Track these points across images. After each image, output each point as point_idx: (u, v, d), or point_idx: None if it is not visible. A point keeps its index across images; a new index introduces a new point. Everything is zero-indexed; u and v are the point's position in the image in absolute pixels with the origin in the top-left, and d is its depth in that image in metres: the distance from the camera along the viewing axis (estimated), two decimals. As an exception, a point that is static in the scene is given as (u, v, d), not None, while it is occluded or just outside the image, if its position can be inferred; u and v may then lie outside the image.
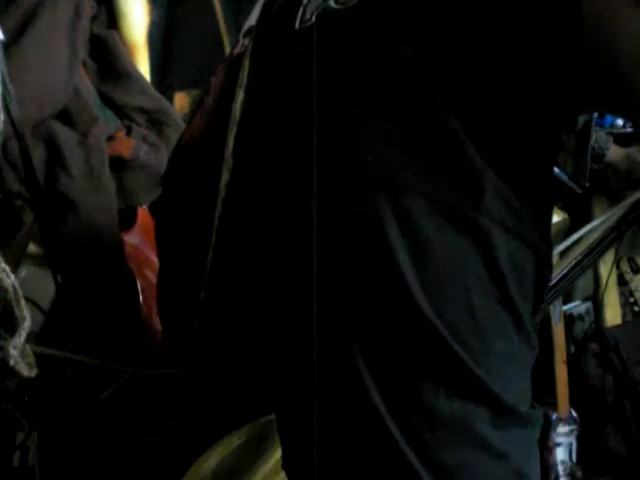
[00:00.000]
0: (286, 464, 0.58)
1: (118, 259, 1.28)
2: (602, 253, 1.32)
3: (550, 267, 0.56)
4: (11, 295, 0.69)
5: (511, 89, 0.51)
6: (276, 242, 0.55)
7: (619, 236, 1.29)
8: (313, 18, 0.57)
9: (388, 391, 0.49)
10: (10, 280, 0.69)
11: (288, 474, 0.58)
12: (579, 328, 1.55)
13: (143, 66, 1.52)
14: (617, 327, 1.50)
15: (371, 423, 0.49)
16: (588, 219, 1.31)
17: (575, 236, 1.27)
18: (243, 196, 0.60)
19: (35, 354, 0.71)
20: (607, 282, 1.48)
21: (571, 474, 1.41)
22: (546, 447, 1.40)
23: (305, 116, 0.54)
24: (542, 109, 0.53)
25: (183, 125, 1.38)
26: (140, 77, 1.45)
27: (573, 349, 1.52)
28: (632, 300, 1.55)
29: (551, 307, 1.33)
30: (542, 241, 0.54)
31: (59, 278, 1.18)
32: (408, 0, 0.54)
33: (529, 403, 0.54)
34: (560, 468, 1.41)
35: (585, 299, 1.56)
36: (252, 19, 0.69)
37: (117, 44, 1.41)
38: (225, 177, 0.62)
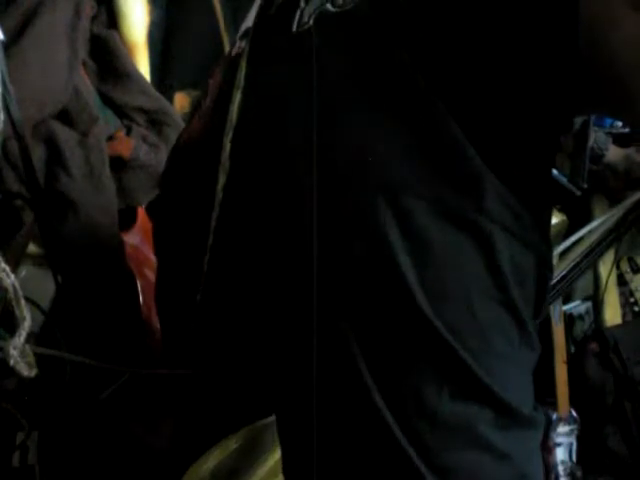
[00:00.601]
0: (286, 466, 0.57)
1: (118, 259, 1.28)
2: (602, 254, 1.32)
3: (550, 268, 0.56)
4: (11, 295, 0.69)
5: (508, 91, 0.51)
6: (274, 243, 0.55)
7: (619, 237, 1.29)
8: (310, 21, 0.57)
9: (390, 393, 0.49)
10: (10, 280, 0.69)
11: (287, 476, 0.57)
12: (579, 328, 1.55)
13: (143, 66, 1.52)
14: (617, 327, 1.50)
15: (373, 425, 0.49)
16: (587, 220, 1.32)
17: (575, 237, 1.28)
18: (240, 198, 0.60)
19: (35, 354, 0.71)
20: (607, 282, 1.48)
21: (571, 474, 1.41)
22: (546, 447, 1.41)
23: (303, 118, 0.53)
24: (539, 111, 0.53)
25: (183, 125, 1.38)
26: (140, 77, 1.45)
27: (573, 349, 1.52)
28: (632, 300, 1.56)
29: (551, 307, 1.33)
30: (542, 242, 0.54)
31: (59, 278, 1.18)
32: (405, 4, 0.54)
33: (531, 404, 0.54)
34: (560, 468, 1.41)
35: (585, 299, 1.56)
36: (249, 20, 0.69)
37: (117, 44, 1.41)
38: (222, 179, 0.62)
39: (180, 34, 1.66)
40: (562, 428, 1.41)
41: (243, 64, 0.64)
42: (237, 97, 0.63)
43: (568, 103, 0.55)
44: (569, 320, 1.52)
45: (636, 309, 1.56)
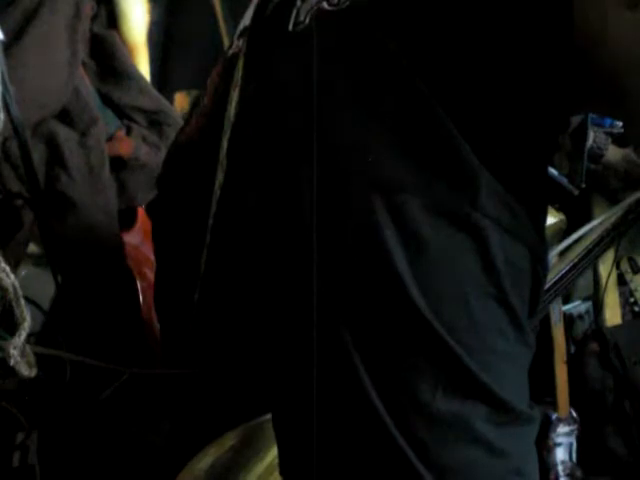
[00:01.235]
0: (282, 465, 0.57)
1: (118, 259, 1.29)
2: (601, 254, 1.32)
3: (545, 266, 0.56)
4: (11, 295, 0.69)
5: (503, 89, 0.52)
6: (271, 243, 0.55)
7: (618, 236, 1.29)
8: (307, 20, 0.57)
9: (386, 391, 0.49)
10: (10, 280, 0.69)
11: (284, 475, 0.57)
12: (579, 328, 1.55)
13: (143, 66, 1.52)
14: (617, 327, 1.50)
15: (370, 423, 0.49)
16: (586, 220, 1.32)
17: (575, 235, 1.28)
18: (237, 197, 0.60)
19: (35, 354, 0.71)
20: (607, 282, 1.48)
21: (571, 474, 1.41)
22: (546, 447, 1.41)
23: (300, 118, 0.53)
24: (534, 109, 0.53)
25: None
26: (140, 77, 1.45)
27: (573, 349, 1.52)
28: (632, 300, 1.56)
29: (551, 307, 1.33)
30: (538, 240, 0.54)
31: (59, 278, 1.18)
32: (401, 2, 0.54)
33: (527, 401, 0.54)
34: (560, 468, 1.41)
35: (585, 299, 1.56)
36: (246, 20, 0.69)
37: (117, 44, 1.41)
38: (220, 178, 0.62)
39: (180, 34, 1.66)
40: (562, 428, 1.42)
41: (240, 63, 0.64)
42: (234, 96, 0.63)
43: (564, 101, 0.55)
44: (569, 320, 1.52)
45: (636, 309, 1.56)
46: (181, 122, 1.42)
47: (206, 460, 0.79)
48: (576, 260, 1.20)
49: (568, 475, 1.41)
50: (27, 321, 0.69)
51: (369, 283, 0.50)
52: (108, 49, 1.40)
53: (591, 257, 1.25)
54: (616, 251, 1.41)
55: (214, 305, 0.67)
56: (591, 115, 1.04)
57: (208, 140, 0.66)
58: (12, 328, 0.69)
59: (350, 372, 0.50)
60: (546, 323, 1.37)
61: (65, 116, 1.27)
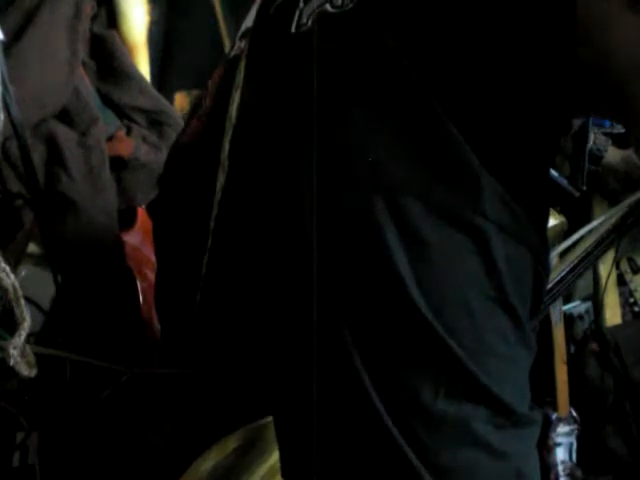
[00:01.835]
0: (284, 467, 0.57)
1: (118, 259, 1.28)
2: (600, 255, 1.32)
3: (547, 268, 0.56)
4: (11, 295, 0.69)
5: (505, 92, 0.51)
6: (272, 244, 0.55)
7: (618, 238, 1.29)
8: (309, 22, 0.57)
9: (387, 392, 0.49)
10: (10, 280, 0.69)
11: (286, 477, 0.57)
12: (579, 328, 1.55)
13: (143, 66, 1.52)
14: (617, 327, 1.50)
15: (370, 424, 0.49)
16: (586, 222, 1.31)
17: (575, 236, 1.28)
18: (239, 198, 0.60)
19: (35, 354, 0.71)
20: (607, 282, 1.48)
21: (571, 474, 1.41)
22: (546, 447, 1.41)
23: (302, 119, 0.53)
24: (536, 111, 0.53)
25: (183, 125, 1.38)
26: (140, 77, 1.45)
27: (573, 349, 1.52)
28: (632, 300, 1.56)
29: (551, 307, 1.33)
30: (539, 242, 0.54)
31: (59, 278, 1.18)
32: (404, 5, 0.54)
33: (527, 403, 0.54)
34: (560, 468, 1.41)
35: (585, 299, 1.56)
36: (248, 21, 0.69)
37: (117, 44, 1.41)
38: (221, 179, 0.62)
39: (180, 34, 1.66)
40: (562, 428, 1.42)
41: (242, 65, 0.64)
42: (236, 98, 0.63)
43: (566, 104, 0.55)
44: (569, 320, 1.52)
45: (636, 309, 1.56)
46: (181, 122, 1.42)
47: (208, 463, 0.79)
48: (576, 262, 1.20)
49: (568, 475, 1.41)
50: (27, 321, 0.69)
51: (370, 284, 0.50)
52: (108, 49, 1.40)
53: (591, 258, 1.25)
54: (616, 251, 1.41)
55: (215, 306, 0.66)
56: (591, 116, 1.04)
57: (209, 141, 0.66)
58: (12, 328, 0.69)
59: (351, 373, 0.50)
60: (546, 323, 1.37)
61: (65, 116, 1.27)
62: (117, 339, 1.22)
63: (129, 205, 1.37)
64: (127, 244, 1.32)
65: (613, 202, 1.34)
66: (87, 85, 1.34)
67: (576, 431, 1.43)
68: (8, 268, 0.69)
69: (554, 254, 1.20)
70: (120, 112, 1.41)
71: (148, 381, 1.14)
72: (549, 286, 1.10)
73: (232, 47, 0.72)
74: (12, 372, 0.69)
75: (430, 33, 0.52)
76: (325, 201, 0.51)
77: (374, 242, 0.49)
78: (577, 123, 0.89)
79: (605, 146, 1.24)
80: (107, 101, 1.40)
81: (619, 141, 1.27)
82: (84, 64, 1.35)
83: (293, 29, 0.58)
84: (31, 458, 1.17)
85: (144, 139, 1.40)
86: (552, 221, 1.25)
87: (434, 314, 0.49)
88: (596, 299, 1.51)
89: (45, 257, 1.20)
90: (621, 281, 1.55)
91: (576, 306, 1.55)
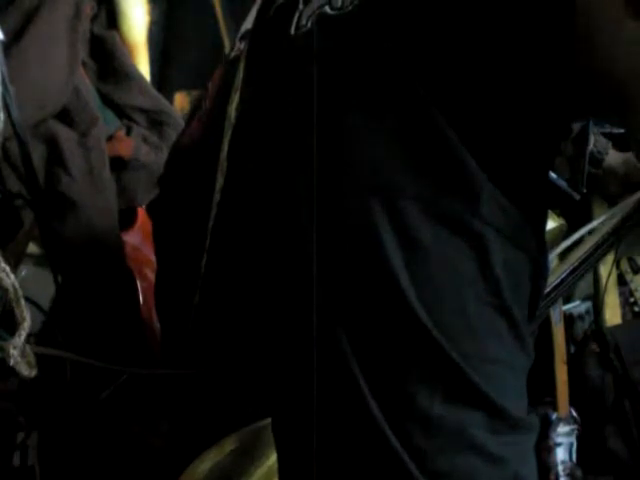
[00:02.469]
0: (281, 470, 0.57)
1: (118, 259, 1.29)
2: (601, 257, 1.32)
3: (545, 273, 0.55)
4: (11, 295, 0.69)
5: (504, 96, 0.51)
6: (270, 245, 0.55)
7: (617, 241, 1.29)
8: (309, 24, 0.57)
9: (383, 396, 0.49)
10: (10, 280, 0.69)
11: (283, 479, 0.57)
12: (579, 328, 1.55)
13: (143, 66, 1.52)
14: (617, 327, 1.50)
15: (368, 429, 0.49)
16: (586, 224, 1.31)
17: (576, 235, 1.27)
18: (237, 199, 0.60)
19: (35, 354, 0.71)
20: (607, 282, 1.48)
21: (571, 474, 1.41)
22: (546, 447, 1.41)
23: (300, 120, 0.53)
24: (535, 116, 0.53)
25: (183, 125, 1.38)
26: (140, 77, 1.45)
27: (573, 349, 1.52)
28: (632, 300, 1.56)
29: (551, 308, 1.33)
30: (537, 246, 0.54)
31: (59, 278, 1.18)
32: (404, 9, 0.54)
33: (525, 408, 0.54)
34: (560, 468, 1.41)
35: (585, 299, 1.56)
36: (248, 22, 0.69)
37: (117, 44, 1.42)
38: (220, 181, 0.62)
39: (180, 34, 1.66)
40: (562, 428, 1.41)
41: (241, 66, 0.64)
42: (235, 99, 0.63)
43: (565, 108, 0.55)
44: (569, 320, 1.52)
45: (636, 309, 1.56)
46: (181, 122, 1.43)
47: (205, 464, 0.79)
48: (576, 264, 1.20)
49: (568, 475, 1.41)
50: (27, 321, 0.69)
51: (366, 287, 0.49)
52: (108, 49, 1.40)
53: (592, 261, 1.25)
54: (616, 251, 1.41)
55: (214, 307, 0.66)
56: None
57: (209, 142, 0.66)
58: (12, 328, 0.69)
59: (347, 377, 0.49)
60: (546, 323, 1.37)
61: (65, 116, 1.27)
62: (117, 339, 1.22)
63: (129, 205, 1.37)
64: (127, 244, 1.32)
65: (613, 205, 1.33)
66: (87, 85, 1.34)
67: (576, 431, 1.43)
68: (8, 268, 0.69)
69: (553, 255, 1.20)
70: (120, 112, 1.41)
71: (148, 381, 1.14)
72: (549, 289, 1.10)
73: (232, 48, 0.72)
74: (12, 372, 0.69)
75: (429, 36, 0.52)
76: (322, 203, 0.51)
77: (371, 245, 0.49)
78: (577, 126, 0.89)
79: (606, 148, 1.24)
80: (107, 101, 1.40)
81: (620, 144, 1.27)
82: (84, 64, 1.35)
83: (292, 30, 0.58)
84: (31, 458, 1.17)
85: (144, 139, 1.40)
86: (551, 224, 1.25)
87: (431, 318, 0.48)
88: (596, 299, 1.51)
89: (45, 257, 1.20)
90: (621, 281, 1.55)
91: (576, 306, 1.55)
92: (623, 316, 1.53)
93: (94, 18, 1.40)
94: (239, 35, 0.72)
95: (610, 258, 1.43)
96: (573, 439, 1.43)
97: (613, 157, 1.26)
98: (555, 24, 0.50)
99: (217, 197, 0.63)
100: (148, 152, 1.38)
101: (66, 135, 1.26)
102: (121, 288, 1.28)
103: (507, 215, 0.51)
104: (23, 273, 1.22)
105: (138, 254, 1.34)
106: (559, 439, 1.41)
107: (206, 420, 0.83)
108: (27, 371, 0.70)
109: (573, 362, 1.45)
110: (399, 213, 0.49)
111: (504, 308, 0.51)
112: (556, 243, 1.22)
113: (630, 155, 1.28)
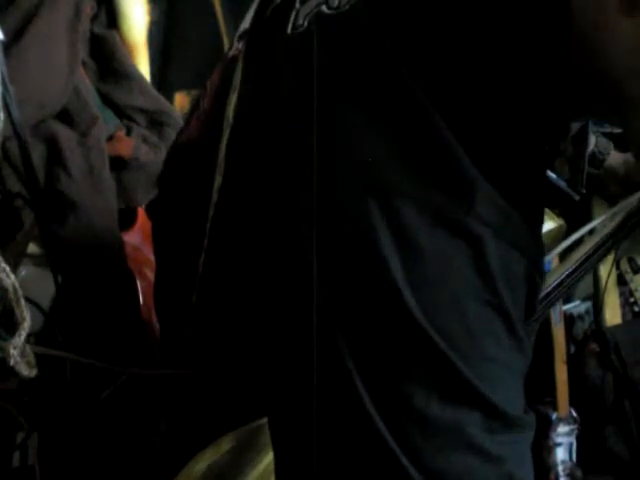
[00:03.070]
0: (278, 470, 0.57)
1: (118, 259, 1.29)
2: (602, 258, 1.32)
3: (542, 273, 0.55)
4: (11, 295, 0.69)
5: (501, 96, 0.51)
6: (267, 246, 0.55)
7: (617, 242, 1.29)
8: (305, 23, 0.57)
9: (380, 396, 0.49)
10: (10, 280, 0.69)
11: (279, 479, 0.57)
12: (579, 328, 1.55)
13: (143, 66, 1.52)
14: (617, 327, 1.51)
15: (364, 429, 0.49)
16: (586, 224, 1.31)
17: (576, 235, 1.27)
18: (235, 200, 0.60)
19: (35, 354, 0.71)
20: (607, 282, 1.48)
21: (571, 474, 1.41)
22: (546, 447, 1.41)
23: (297, 120, 0.53)
24: (532, 115, 0.53)
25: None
26: (140, 77, 1.45)
27: (573, 349, 1.52)
28: (632, 300, 1.56)
29: (551, 308, 1.33)
30: (534, 246, 0.54)
31: (59, 278, 1.19)
32: (402, 8, 0.54)
33: (522, 408, 0.54)
34: (560, 468, 1.41)
35: (585, 299, 1.56)
36: (246, 22, 0.69)
37: (117, 44, 1.42)
38: (218, 181, 0.62)
39: (180, 34, 1.66)
40: (562, 428, 1.42)
41: (239, 66, 0.64)
42: (233, 99, 0.63)
43: (562, 108, 0.55)
44: (569, 320, 1.52)
45: (636, 309, 1.56)
46: (181, 122, 1.43)
47: (202, 463, 0.79)
48: (576, 264, 1.20)
49: (568, 475, 1.41)
50: (27, 321, 0.69)
51: (363, 288, 0.49)
52: (108, 49, 1.40)
53: (592, 261, 1.25)
54: (616, 251, 1.41)
55: (212, 307, 0.66)
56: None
57: (207, 142, 0.66)
58: (12, 328, 0.69)
59: (344, 377, 0.49)
60: (546, 323, 1.37)
61: (65, 116, 1.27)
62: (117, 339, 1.22)
63: (129, 205, 1.37)
64: (127, 244, 1.32)
65: (613, 205, 1.33)
66: (87, 85, 1.34)
67: (576, 431, 1.43)
68: (8, 268, 0.69)
69: (553, 255, 1.20)
70: (120, 112, 1.41)
71: (147, 381, 1.15)
72: (549, 289, 1.10)
73: (230, 48, 0.73)
74: (12, 372, 0.69)
75: (426, 36, 0.52)
76: (320, 203, 0.51)
77: (367, 245, 0.49)
78: (576, 126, 0.89)
79: (607, 149, 1.23)
80: (107, 101, 1.40)
81: (621, 144, 1.27)
82: (84, 64, 1.35)
83: (289, 30, 0.58)
84: (31, 458, 1.17)
85: (144, 139, 1.40)
86: (551, 224, 1.25)
87: (427, 318, 0.48)
88: (596, 299, 1.51)
89: (45, 257, 1.20)
90: (621, 281, 1.55)
91: (576, 306, 1.55)
92: (623, 316, 1.54)
93: (94, 18, 1.40)
94: (237, 35, 0.72)
95: (610, 258, 1.43)
96: (573, 439, 1.43)
97: (613, 157, 1.26)
98: (551, 24, 0.50)
99: (215, 197, 0.63)
100: (148, 152, 1.38)
101: (66, 135, 1.26)
102: (121, 288, 1.28)
103: (504, 215, 0.51)
104: (23, 273, 1.22)
105: (138, 254, 1.34)
106: (559, 439, 1.41)
107: (203, 418, 0.83)
108: (27, 371, 0.70)
109: (573, 362, 1.46)
110: (396, 213, 0.49)
111: (501, 308, 0.51)
112: (556, 243, 1.22)
113: (630, 155, 1.28)
